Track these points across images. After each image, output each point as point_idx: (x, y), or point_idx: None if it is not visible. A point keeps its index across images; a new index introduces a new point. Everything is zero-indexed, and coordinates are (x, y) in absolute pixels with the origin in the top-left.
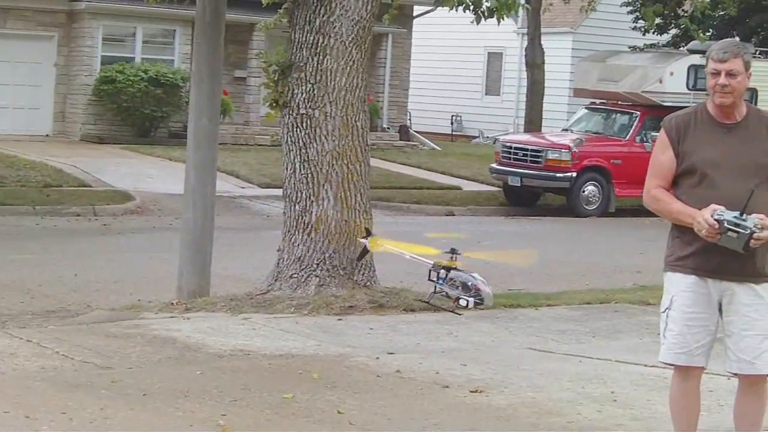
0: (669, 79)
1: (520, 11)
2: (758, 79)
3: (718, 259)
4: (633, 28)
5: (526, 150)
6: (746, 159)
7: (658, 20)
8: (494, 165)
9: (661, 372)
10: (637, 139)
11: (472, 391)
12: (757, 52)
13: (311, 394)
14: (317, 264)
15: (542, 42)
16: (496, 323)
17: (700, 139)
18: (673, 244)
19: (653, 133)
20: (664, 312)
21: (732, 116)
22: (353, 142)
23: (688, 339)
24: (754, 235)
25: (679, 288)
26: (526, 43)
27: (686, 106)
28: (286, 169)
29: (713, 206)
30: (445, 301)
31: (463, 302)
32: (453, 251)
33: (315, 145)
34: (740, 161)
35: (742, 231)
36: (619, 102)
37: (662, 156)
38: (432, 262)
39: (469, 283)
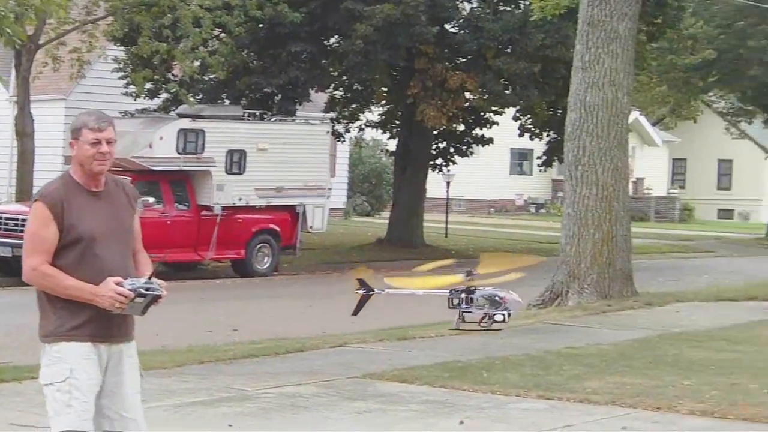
0: (159, 144)
1: (11, 79)
2: (246, 140)
3: (110, 324)
4: (124, 94)
5: (17, 220)
6: (118, 225)
7: (148, 85)
8: None
9: None
10: None
11: None
12: (246, 114)
13: None
14: None
15: (34, 110)
16: None
17: (80, 210)
18: (60, 315)
19: (144, 199)
20: (63, 382)
21: (100, 184)
22: None
23: (90, 406)
24: (162, 295)
25: (79, 357)
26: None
27: (177, 170)
28: None
29: (116, 278)
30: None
31: (499, 317)
32: (469, 273)
33: None
34: (114, 228)
35: (152, 293)
36: (112, 168)
37: (45, 230)
38: (449, 290)
39: (497, 297)
